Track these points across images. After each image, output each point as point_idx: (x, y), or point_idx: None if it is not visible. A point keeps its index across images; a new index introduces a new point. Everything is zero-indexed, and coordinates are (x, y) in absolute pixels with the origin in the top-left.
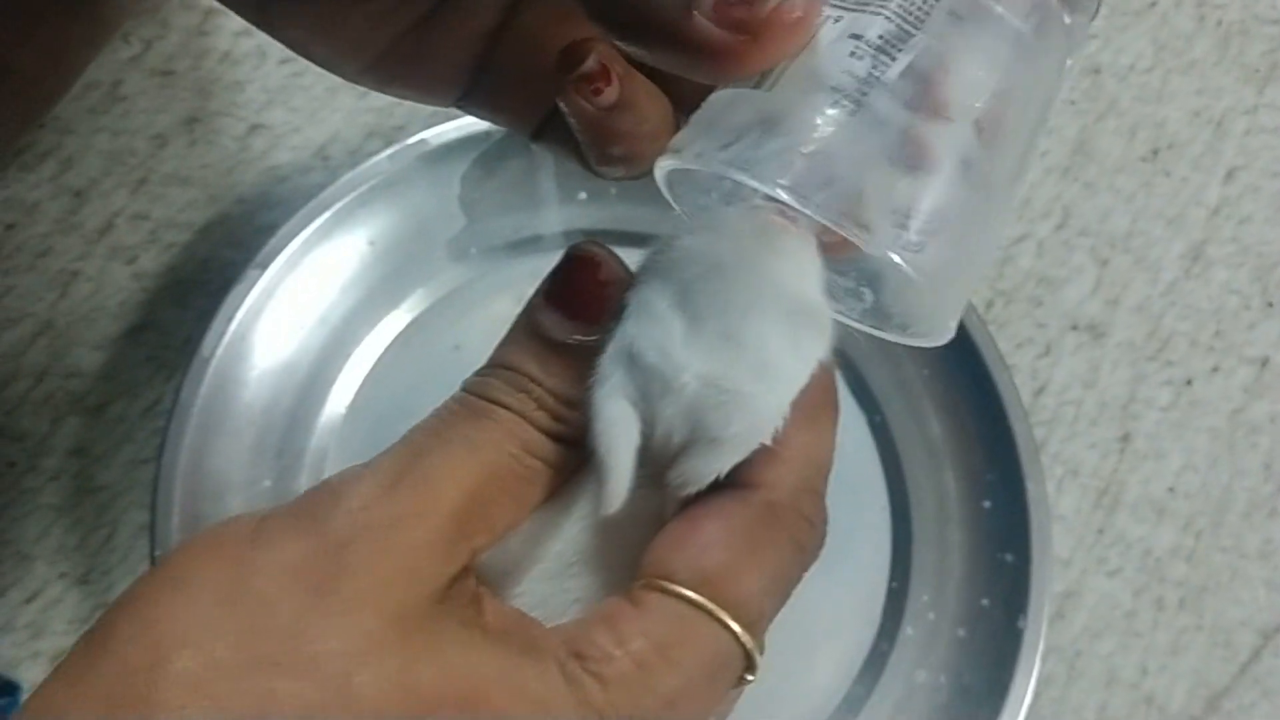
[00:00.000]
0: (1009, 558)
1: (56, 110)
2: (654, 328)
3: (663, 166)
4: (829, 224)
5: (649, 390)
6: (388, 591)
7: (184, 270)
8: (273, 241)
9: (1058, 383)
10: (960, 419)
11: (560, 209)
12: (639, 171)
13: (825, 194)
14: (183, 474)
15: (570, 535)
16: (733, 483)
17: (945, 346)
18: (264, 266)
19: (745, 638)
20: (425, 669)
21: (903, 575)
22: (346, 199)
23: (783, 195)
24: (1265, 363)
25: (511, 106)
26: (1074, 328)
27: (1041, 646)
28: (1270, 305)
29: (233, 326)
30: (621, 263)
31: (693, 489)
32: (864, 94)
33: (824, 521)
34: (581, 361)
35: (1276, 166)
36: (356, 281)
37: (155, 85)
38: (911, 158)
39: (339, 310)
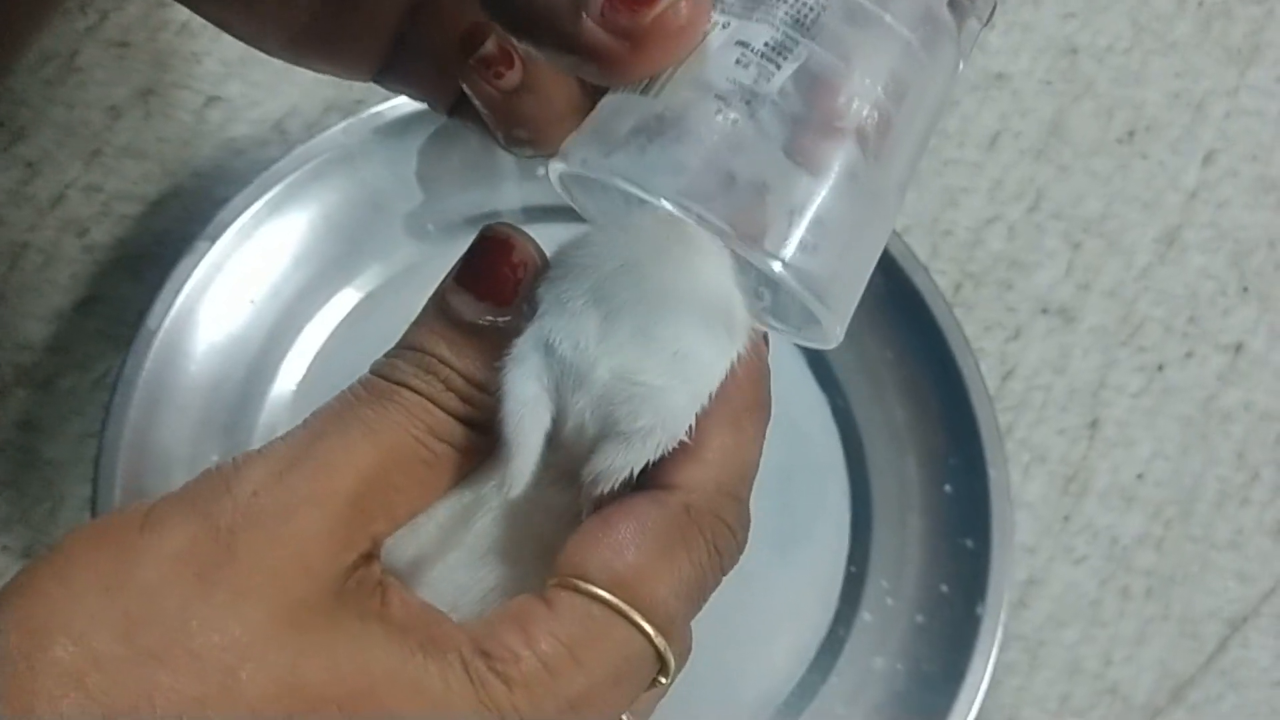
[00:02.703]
0: (969, 543)
1: (10, 81)
2: (570, 322)
3: (553, 171)
4: (714, 234)
5: (562, 383)
6: (278, 582)
7: (137, 243)
8: (223, 214)
9: (1027, 367)
10: (923, 402)
11: (520, 185)
12: (549, 152)
13: (711, 203)
14: (126, 448)
15: (484, 524)
16: (651, 483)
17: (911, 329)
18: (213, 239)
19: (658, 639)
20: (313, 665)
21: (861, 560)
22: (299, 172)
23: (666, 205)
24: (1240, 349)
25: (426, 82)
26: (1044, 311)
27: (1000, 634)
28: (1246, 291)
29: (180, 300)
30: (535, 244)
31: (605, 486)
32: (749, 102)
33: (745, 527)
34: (492, 344)
35: (1257, 150)
36: (310, 256)
37: (111, 57)
38: (797, 168)
39: (291, 285)
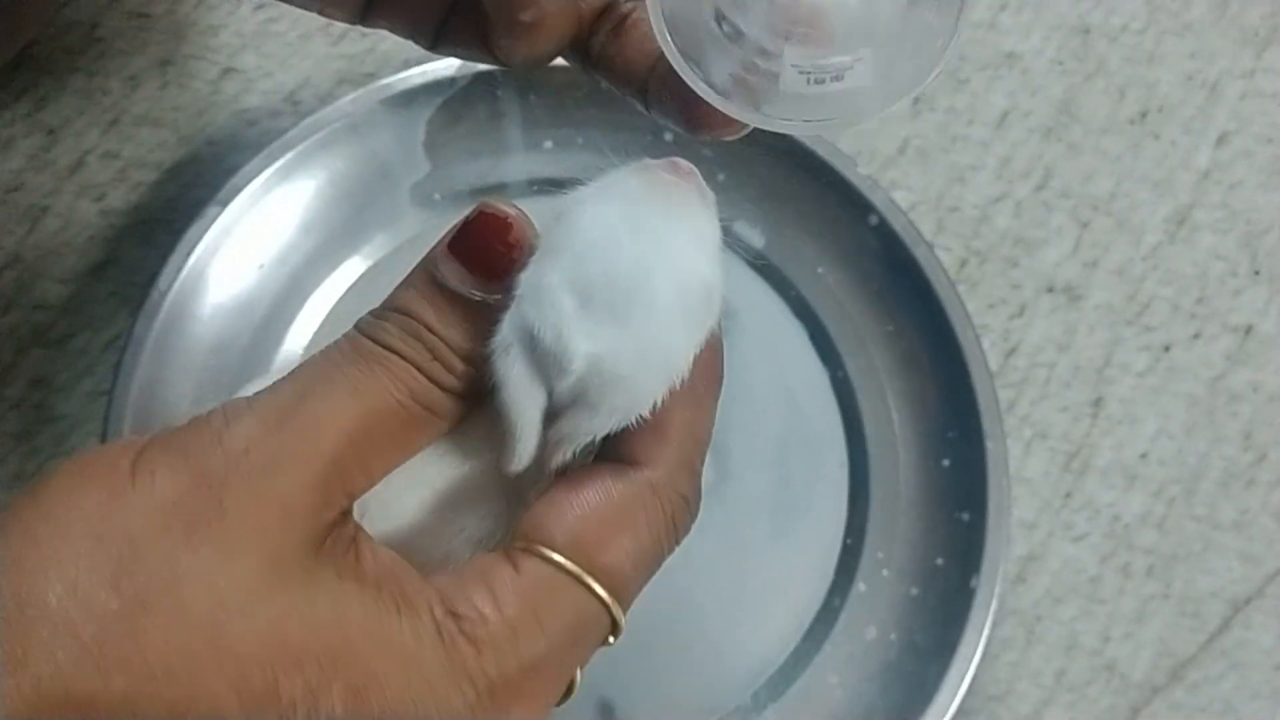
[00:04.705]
0: (965, 517)
1: (34, 50)
2: (548, 309)
3: None
4: None
5: (545, 368)
6: (263, 539)
7: (151, 209)
8: (234, 180)
9: (1030, 344)
10: (923, 376)
11: (525, 157)
12: (543, 48)
13: None
14: (134, 405)
15: (454, 472)
16: (617, 455)
17: (913, 303)
18: (224, 204)
19: (614, 606)
20: (296, 622)
21: (858, 531)
22: (309, 141)
23: None
24: (1249, 330)
25: (411, 15)
26: (1050, 289)
27: (994, 607)
28: (1257, 273)
29: (190, 262)
30: (531, 225)
31: (568, 448)
32: None
33: (698, 499)
34: (479, 317)
35: (1271, 132)
36: (318, 223)
37: (132, 27)
38: None
39: (299, 251)
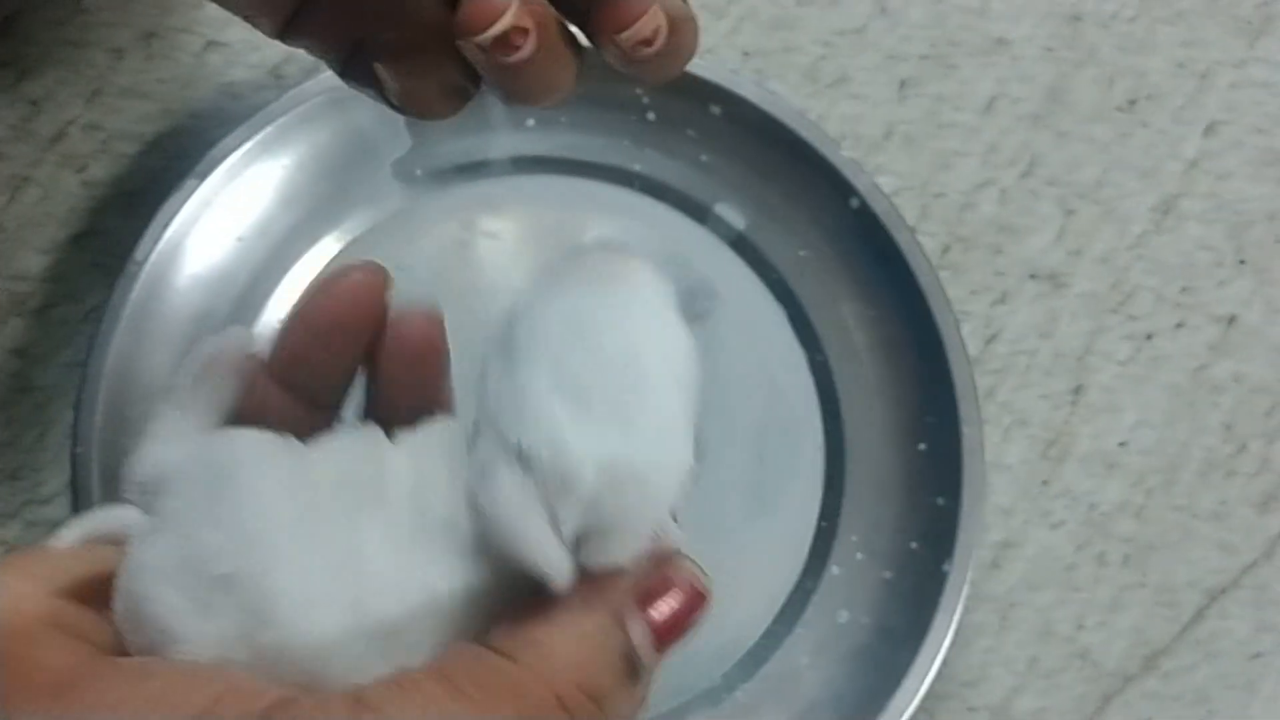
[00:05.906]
0: (941, 501)
1: (17, 20)
2: (541, 422)
3: None
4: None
5: (546, 489)
6: None
7: (133, 181)
8: (213, 152)
9: (1012, 331)
10: (902, 360)
11: (509, 135)
12: (416, 84)
13: None
14: (109, 375)
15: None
16: None
17: (893, 288)
18: (203, 176)
19: None
20: None
21: (833, 514)
22: (290, 114)
23: None
24: (1233, 321)
25: (321, 39)
26: (1033, 276)
27: (966, 592)
28: (1243, 263)
29: (168, 233)
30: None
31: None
32: None
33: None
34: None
35: (1262, 122)
36: (298, 197)
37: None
38: None
39: (279, 224)
